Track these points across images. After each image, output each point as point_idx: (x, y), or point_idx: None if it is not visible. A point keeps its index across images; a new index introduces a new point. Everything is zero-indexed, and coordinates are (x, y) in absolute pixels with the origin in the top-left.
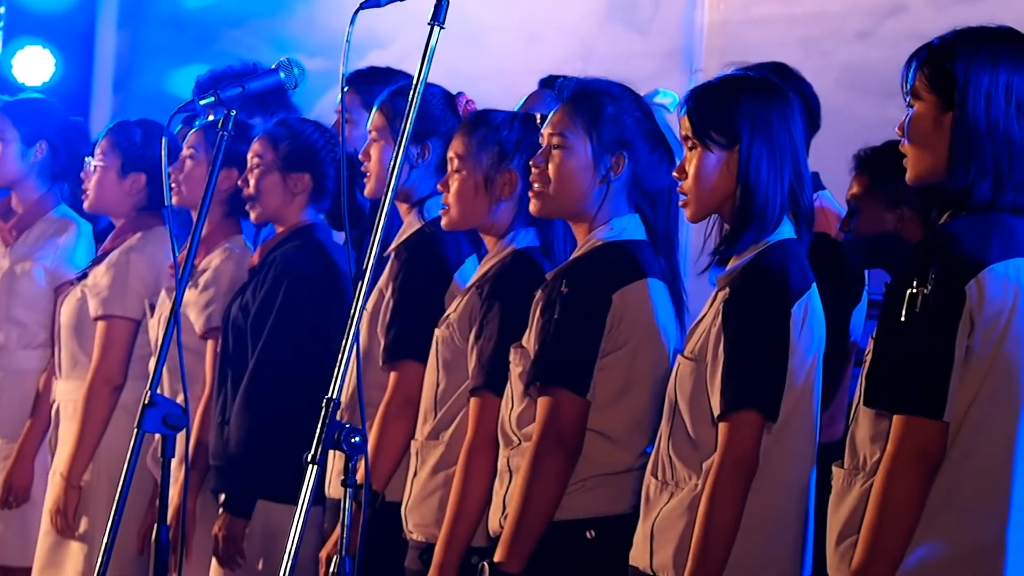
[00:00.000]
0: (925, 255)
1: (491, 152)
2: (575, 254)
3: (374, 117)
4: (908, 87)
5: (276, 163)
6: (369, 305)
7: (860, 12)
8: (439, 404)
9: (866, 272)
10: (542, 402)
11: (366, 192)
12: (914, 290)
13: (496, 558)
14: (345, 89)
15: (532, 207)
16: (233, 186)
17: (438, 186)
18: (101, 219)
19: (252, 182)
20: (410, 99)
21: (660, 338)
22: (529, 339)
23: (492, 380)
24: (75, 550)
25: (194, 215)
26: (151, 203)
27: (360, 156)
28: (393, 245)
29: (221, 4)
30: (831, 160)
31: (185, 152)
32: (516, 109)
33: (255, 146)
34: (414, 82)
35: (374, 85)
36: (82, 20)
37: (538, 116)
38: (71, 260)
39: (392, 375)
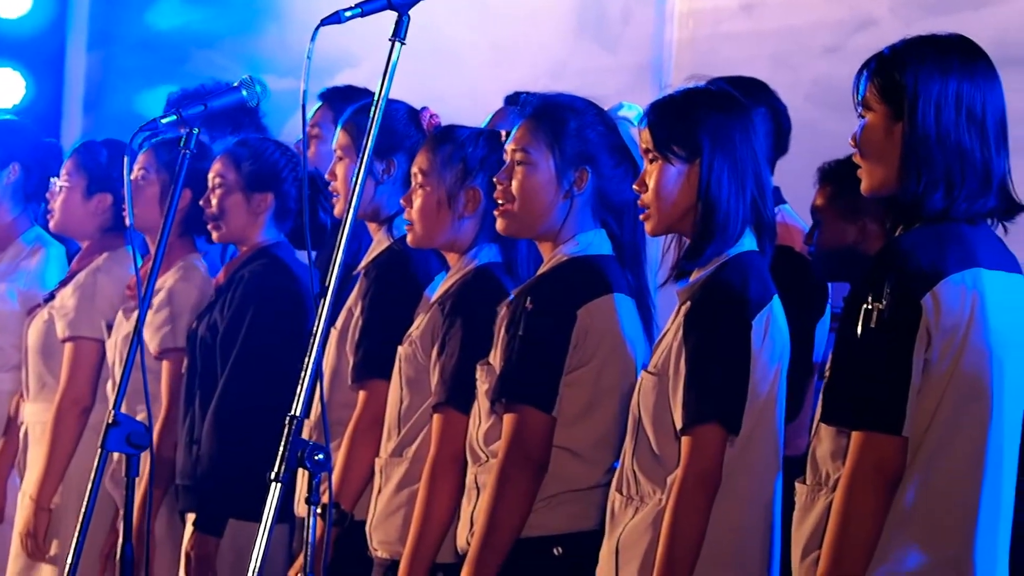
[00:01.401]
0: (879, 269)
1: (455, 169)
2: (540, 270)
3: (338, 136)
4: (859, 98)
5: (239, 183)
6: (339, 323)
7: (828, 27)
8: (403, 421)
9: (829, 284)
10: (508, 419)
11: (336, 212)
12: (869, 305)
13: (463, 575)
14: (317, 105)
15: (499, 226)
16: (188, 205)
17: (401, 201)
18: (74, 241)
19: (215, 202)
20: (372, 115)
21: (627, 353)
22: (495, 356)
23: (454, 396)
24: (46, 573)
25: (147, 237)
26: (116, 224)
27: (327, 175)
28: (363, 263)
29: (191, 25)
30: (800, 175)
31: (136, 173)
32: (483, 126)
33: (216, 166)
34: (375, 98)
35: (349, 102)
36: (52, 42)
37: (503, 133)
38: (44, 282)
39: (361, 394)
